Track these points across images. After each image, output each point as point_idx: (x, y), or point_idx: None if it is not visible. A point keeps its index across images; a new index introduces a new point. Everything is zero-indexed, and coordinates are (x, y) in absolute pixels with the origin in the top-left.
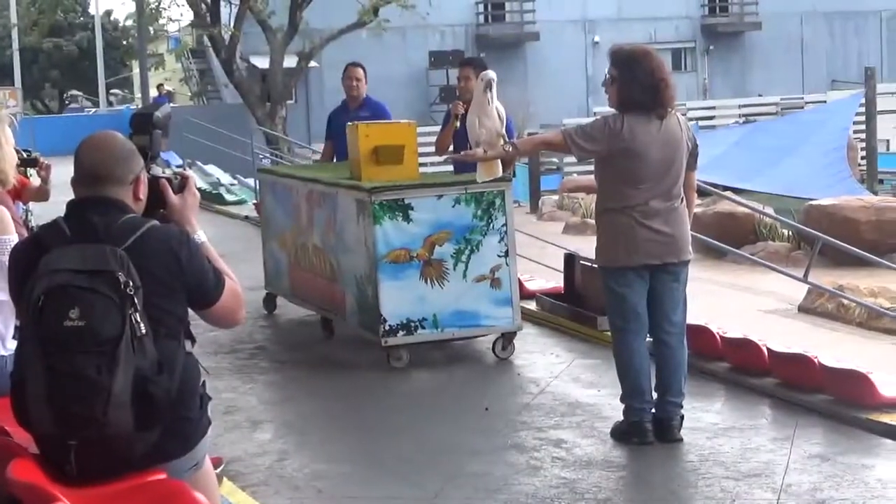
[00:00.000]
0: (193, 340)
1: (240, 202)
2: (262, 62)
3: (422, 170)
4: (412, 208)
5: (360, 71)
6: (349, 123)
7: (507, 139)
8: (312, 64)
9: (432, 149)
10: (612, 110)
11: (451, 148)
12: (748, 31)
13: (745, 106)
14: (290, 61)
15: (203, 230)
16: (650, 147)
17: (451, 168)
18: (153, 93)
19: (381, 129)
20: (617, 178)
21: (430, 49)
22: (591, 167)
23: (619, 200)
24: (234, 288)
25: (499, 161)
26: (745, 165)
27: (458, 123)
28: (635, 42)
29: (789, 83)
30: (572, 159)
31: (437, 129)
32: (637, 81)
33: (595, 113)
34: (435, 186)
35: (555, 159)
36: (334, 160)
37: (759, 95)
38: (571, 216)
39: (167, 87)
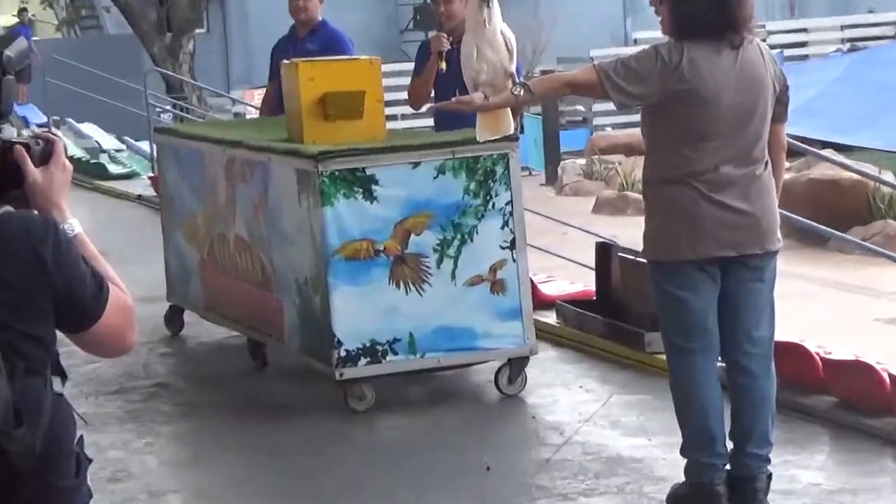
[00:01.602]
0: (65, 377)
1: (130, 175)
2: None
3: (391, 126)
4: (377, 182)
5: None
6: (285, 62)
7: (516, 78)
8: None
9: (404, 96)
10: (665, 38)
11: (431, 97)
12: None
13: (849, 27)
14: None
15: (77, 218)
16: (722, 89)
17: (431, 123)
18: (9, 21)
19: (330, 70)
20: (674, 135)
21: None
22: (636, 118)
23: (678, 166)
24: (122, 300)
25: (508, 112)
26: (850, 112)
27: (442, 64)
28: None
29: None
30: (605, 107)
31: (411, 68)
32: None
33: (636, 41)
34: (409, 150)
35: (580, 106)
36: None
37: (870, 11)
38: (605, 188)
39: (29, 14)
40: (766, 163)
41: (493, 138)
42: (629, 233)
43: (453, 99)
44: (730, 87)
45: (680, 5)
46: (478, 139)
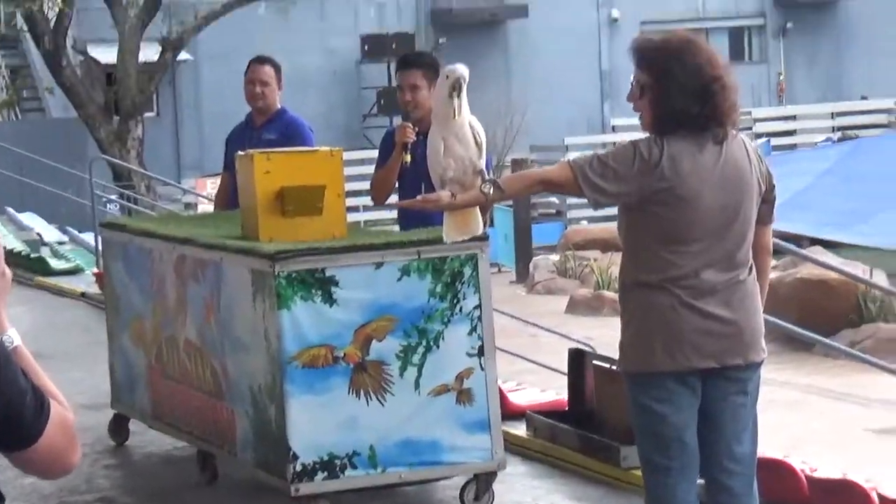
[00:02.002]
0: (2, 499)
1: (73, 271)
2: (106, 54)
3: (352, 218)
4: (337, 283)
5: (269, 70)
6: (240, 153)
7: (486, 175)
8: (184, 56)
9: (367, 186)
10: (643, 131)
11: (395, 192)
12: (844, 0)
13: (840, 114)
14: (149, 52)
15: (16, 317)
16: (704, 189)
17: (394, 215)
18: None
19: (288, 162)
20: (653, 236)
21: (361, 32)
22: (613, 212)
23: (657, 270)
24: (65, 417)
25: (476, 211)
26: (841, 206)
27: (407, 157)
28: (671, 22)
29: None
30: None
31: (374, 155)
32: (679, 88)
33: (614, 127)
34: (371, 250)
35: (554, 199)
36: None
37: (863, 98)
38: (580, 287)
39: None
40: (751, 267)
41: (460, 239)
42: (605, 334)
43: (419, 197)
44: (713, 187)
45: (661, 100)
46: (445, 240)
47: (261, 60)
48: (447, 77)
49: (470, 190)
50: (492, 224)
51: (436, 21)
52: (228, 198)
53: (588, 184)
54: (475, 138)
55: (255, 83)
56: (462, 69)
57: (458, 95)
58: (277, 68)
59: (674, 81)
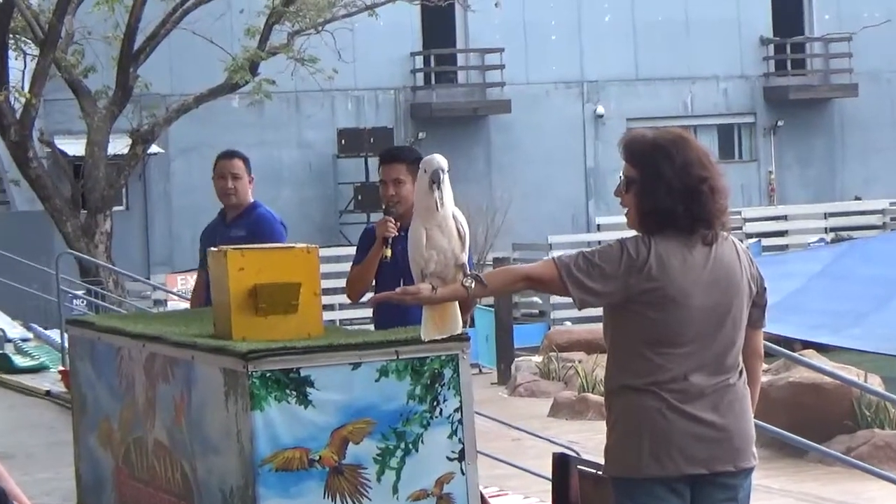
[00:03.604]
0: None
1: (38, 369)
2: (74, 146)
3: (328, 316)
4: (312, 384)
5: (239, 164)
6: (211, 249)
7: (468, 269)
8: (154, 149)
9: (342, 284)
10: (630, 230)
11: (372, 290)
12: (837, 99)
13: (833, 215)
14: (118, 145)
15: None
16: (692, 290)
17: (371, 313)
18: None
19: (262, 259)
20: (639, 338)
21: (339, 126)
22: (598, 313)
23: (644, 373)
24: None
25: (456, 308)
26: (834, 309)
27: (387, 251)
28: (658, 119)
29: None
30: (564, 299)
31: (350, 252)
32: (665, 186)
33: (599, 226)
34: (348, 349)
35: (537, 299)
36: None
37: (857, 199)
38: (563, 389)
39: None
40: (741, 371)
41: (440, 337)
42: (590, 438)
43: (398, 289)
44: (701, 288)
45: (646, 197)
46: (423, 338)
47: (229, 155)
48: (425, 170)
49: (451, 284)
50: (472, 324)
51: (415, 115)
52: (204, 295)
53: (573, 282)
54: (459, 231)
55: (226, 178)
56: (440, 160)
57: (439, 187)
58: (246, 160)
59: (660, 179)
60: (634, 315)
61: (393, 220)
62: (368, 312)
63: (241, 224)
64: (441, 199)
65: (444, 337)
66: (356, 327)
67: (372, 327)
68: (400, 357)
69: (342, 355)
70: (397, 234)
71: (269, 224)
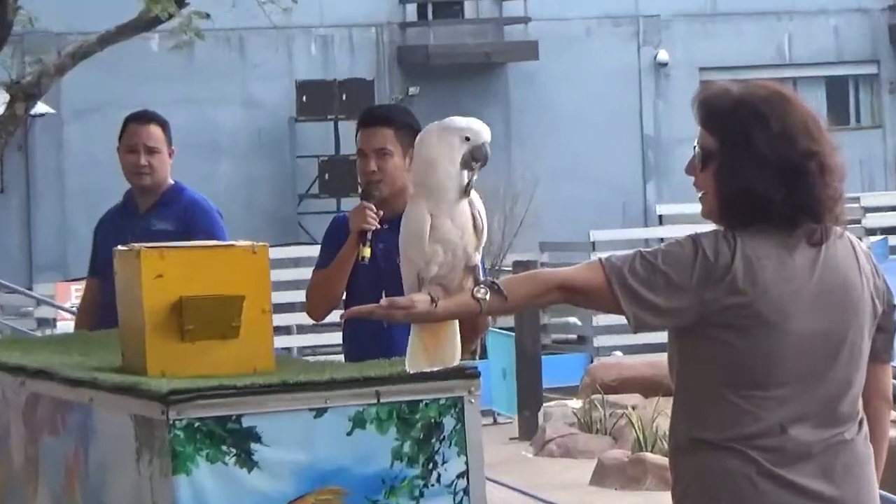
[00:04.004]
0: None
1: None
2: None
3: (280, 343)
4: (259, 438)
5: (156, 132)
6: (120, 248)
7: (480, 276)
8: (41, 109)
9: (301, 298)
10: (706, 224)
11: (342, 305)
12: None
13: None
14: None
15: None
16: (792, 308)
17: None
18: None
19: (190, 262)
20: (719, 375)
21: (298, 77)
22: (661, 338)
23: (725, 424)
24: None
25: (455, 331)
26: None
27: (365, 251)
28: (744, 69)
29: None
30: (613, 319)
31: (312, 253)
32: (758, 162)
33: (662, 218)
34: (309, 389)
35: (574, 319)
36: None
37: None
38: (612, 446)
39: None
40: (861, 422)
41: (431, 369)
42: None
43: (383, 301)
44: (806, 305)
45: (731, 177)
46: (408, 368)
47: (142, 118)
48: (465, 139)
49: (458, 296)
50: (484, 355)
51: (405, 62)
52: (98, 313)
53: (627, 293)
54: (475, 221)
55: (138, 150)
56: (485, 131)
57: (480, 168)
58: (166, 126)
59: (752, 152)
60: (712, 342)
61: (373, 208)
62: (338, 338)
63: (163, 214)
64: (467, 186)
65: (438, 369)
66: (321, 358)
67: (342, 358)
68: (382, 401)
69: (301, 398)
70: (379, 226)
71: (205, 214)
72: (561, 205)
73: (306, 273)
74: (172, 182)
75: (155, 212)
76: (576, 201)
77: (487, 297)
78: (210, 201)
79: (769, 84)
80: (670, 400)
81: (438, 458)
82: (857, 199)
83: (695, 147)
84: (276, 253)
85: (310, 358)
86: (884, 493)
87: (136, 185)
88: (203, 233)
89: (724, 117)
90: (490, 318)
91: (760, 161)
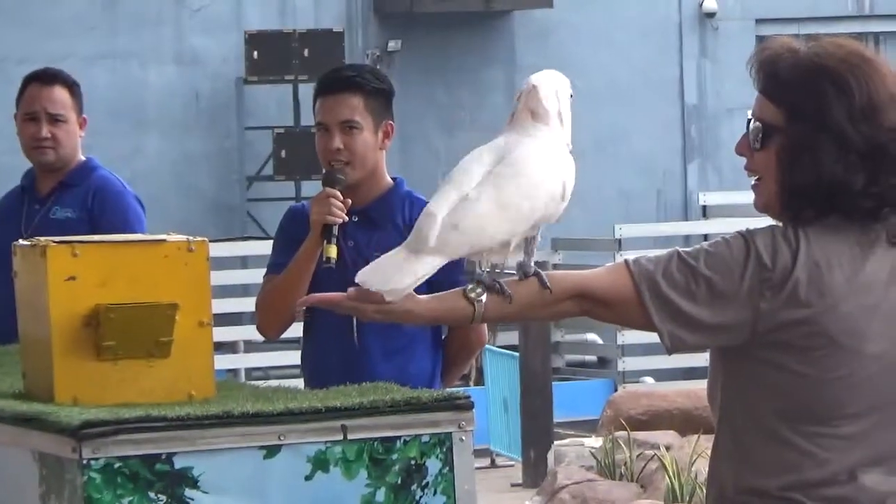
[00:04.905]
0: None
1: None
2: None
3: (221, 364)
4: (195, 482)
5: (60, 95)
6: (20, 243)
7: (485, 272)
8: None
9: (250, 307)
10: (761, 218)
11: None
12: None
13: None
14: None
15: None
16: (867, 326)
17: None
18: None
19: (109, 260)
20: (774, 407)
21: (248, 28)
22: (699, 361)
23: (782, 469)
24: None
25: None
26: None
27: (331, 250)
28: (810, 21)
29: None
30: (642, 337)
31: (265, 253)
32: (837, 141)
33: (706, 209)
34: (260, 422)
35: (593, 336)
36: None
37: None
38: (640, 496)
39: None
40: None
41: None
42: None
43: (350, 290)
44: (884, 321)
45: (800, 159)
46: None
47: (45, 78)
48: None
49: (445, 293)
50: (480, 379)
51: (382, 12)
52: None
53: (662, 306)
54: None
55: (39, 119)
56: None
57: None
58: (74, 89)
59: (828, 128)
60: (766, 367)
61: (339, 196)
62: (295, 357)
63: (67, 198)
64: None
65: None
66: (274, 383)
67: (301, 383)
68: (350, 437)
69: (249, 433)
70: (347, 219)
71: (120, 198)
72: (579, 192)
73: (257, 276)
74: (83, 159)
75: (57, 196)
76: (597, 187)
77: (484, 298)
78: (126, 184)
79: (846, 42)
80: (712, 439)
81: None
82: None
83: (750, 120)
84: (218, 250)
85: (260, 383)
86: None
87: (36, 161)
88: (110, 223)
89: (793, 84)
90: (487, 330)
91: (838, 140)
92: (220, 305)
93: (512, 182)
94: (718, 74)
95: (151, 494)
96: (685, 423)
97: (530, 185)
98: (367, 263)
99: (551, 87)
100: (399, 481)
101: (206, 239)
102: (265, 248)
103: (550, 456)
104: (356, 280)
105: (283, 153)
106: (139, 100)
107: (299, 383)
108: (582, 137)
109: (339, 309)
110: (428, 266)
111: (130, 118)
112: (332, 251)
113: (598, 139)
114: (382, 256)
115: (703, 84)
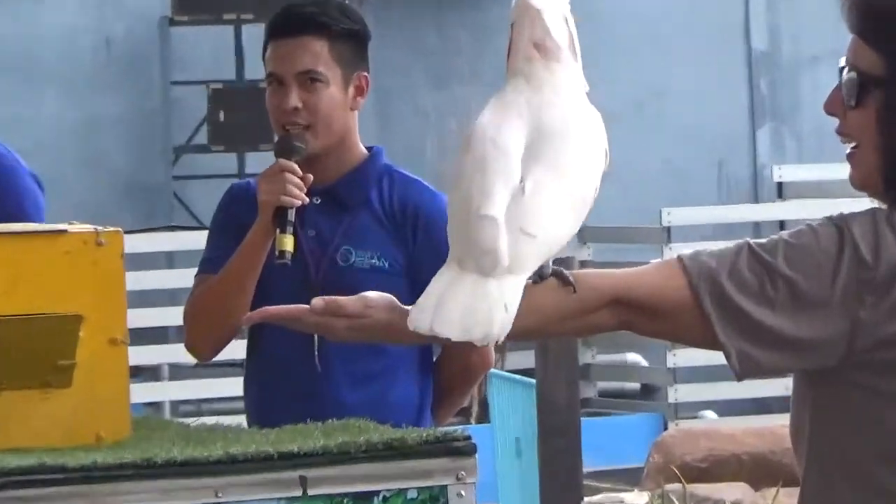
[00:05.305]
0: None
1: None
2: None
3: (144, 397)
4: None
5: None
6: None
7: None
8: None
9: (178, 319)
10: (858, 199)
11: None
12: None
13: None
14: None
15: None
16: None
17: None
18: None
19: None
20: (878, 446)
21: None
22: (780, 390)
23: None
24: None
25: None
26: None
27: (286, 241)
28: None
29: None
30: (697, 359)
31: (198, 248)
32: None
33: (782, 188)
34: (192, 473)
35: (636, 357)
36: None
37: None
38: None
39: None
40: None
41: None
42: None
43: (315, 302)
44: None
45: None
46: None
47: None
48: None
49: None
50: (484, 415)
51: None
52: None
53: (728, 315)
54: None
55: None
56: None
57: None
58: None
59: None
60: (865, 396)
61: (297, 170)
62: (237, 385)
63: None
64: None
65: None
66: (207, 420)
67: (244, 420)
68: (311, 492)
69: (177, 487)
70: (307, 200)
71: (11, 177)
72: (617, 168)
73: (186, 277)
74: None
75: None
76: (638, 161)
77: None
78: (19, 157)
79: None
80: (795, 493)
81: None
82: None
83: (843, 70)
84: (136, 243)
85: (191, 420)
86: None
87: None
88: (5, 208)
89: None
90: (492, 348)
91: None
92: (139, 317)
93: (571, 160)
94: (794, 16)
95: None
96: (759, 471)
97: (588, 160)
98: (332, 260)
99: (558, 8)
100: None
101: (120, 229)
102: (198, 240)
103: None
104: (408, 326)
105: (220, 115)
106: (31, 47)
107: (242, 420)
108: (617, 97)
109: (301, 325)
110: (512, 291)
111: (23, 74)
112: (288, 243)
113: (641, 101)
114: (433, 284)
115: (775, 28)
